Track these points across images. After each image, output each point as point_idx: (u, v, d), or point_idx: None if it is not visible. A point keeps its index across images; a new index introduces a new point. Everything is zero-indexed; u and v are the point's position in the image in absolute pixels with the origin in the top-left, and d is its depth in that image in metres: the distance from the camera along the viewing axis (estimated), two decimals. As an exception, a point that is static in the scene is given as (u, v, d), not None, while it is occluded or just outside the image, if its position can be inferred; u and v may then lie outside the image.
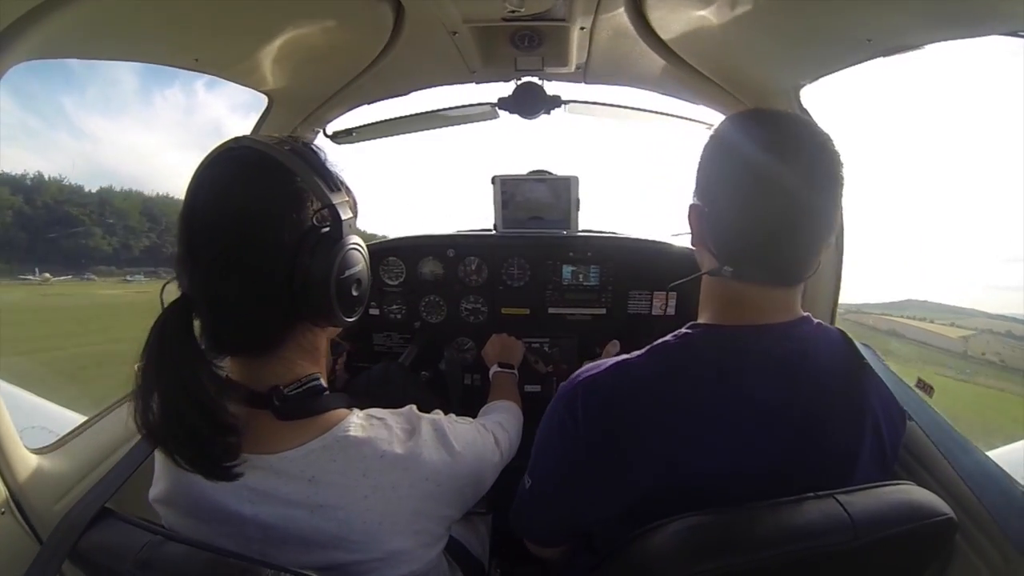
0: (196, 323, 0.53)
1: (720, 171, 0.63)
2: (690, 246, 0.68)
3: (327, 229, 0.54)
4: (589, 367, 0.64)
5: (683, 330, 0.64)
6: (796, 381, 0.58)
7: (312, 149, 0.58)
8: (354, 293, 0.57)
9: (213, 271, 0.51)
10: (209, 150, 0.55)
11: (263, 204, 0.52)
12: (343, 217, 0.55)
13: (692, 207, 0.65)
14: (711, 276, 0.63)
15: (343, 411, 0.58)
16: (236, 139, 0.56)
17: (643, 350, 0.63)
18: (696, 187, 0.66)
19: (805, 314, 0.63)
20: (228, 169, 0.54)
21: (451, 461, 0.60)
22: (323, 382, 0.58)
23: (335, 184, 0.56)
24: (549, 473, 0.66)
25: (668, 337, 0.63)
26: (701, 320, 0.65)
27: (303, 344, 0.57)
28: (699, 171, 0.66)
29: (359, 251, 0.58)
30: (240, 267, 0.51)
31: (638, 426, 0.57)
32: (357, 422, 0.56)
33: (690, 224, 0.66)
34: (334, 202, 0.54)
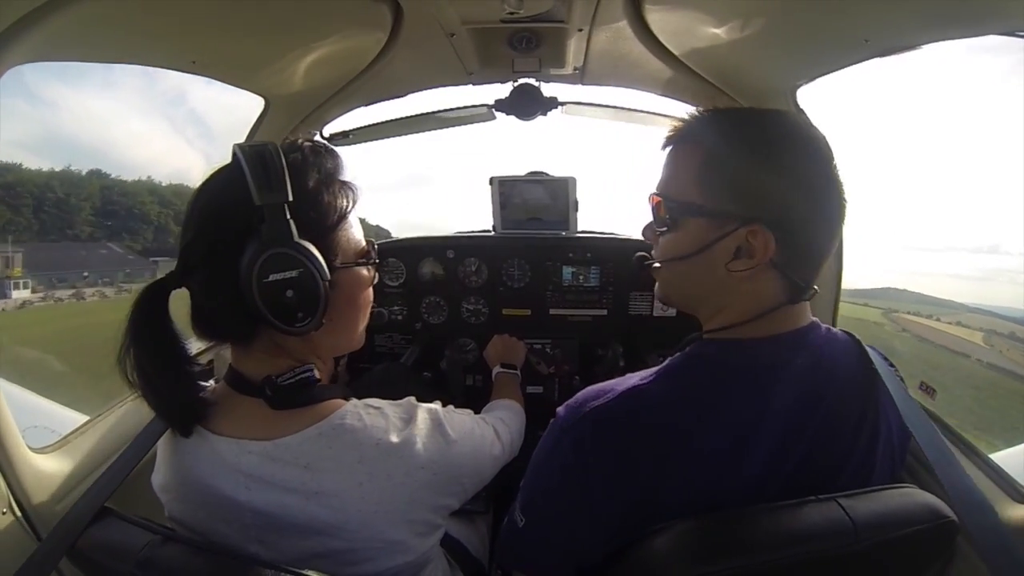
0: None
1: (799, 178, 0.54)
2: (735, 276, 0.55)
3: (257, 231, 0.52)
4: (593, 394, 0.57)
5: (695, 347, 0.60)
6: (812, 391, 0.56)
7: (273, 151, 0.54)
8: (288, 295, 0.53)
9: (184, 267, 0.57)
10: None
11: (215, 208, 0.56)
12: (272, 218, 0.52)
13: (755, 232, 0.53)
14: (791, 304, 0.57)
15: (340, 401, 0.58)
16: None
17: (652, 372, 0.58)
18: (747, 201, 0.54)
19: (813, 319, 0.60)
20: (212, 176, 0.58)
21: (447, 450, 0.60)
22: (317, 374, 0.59)
23: (276, 184, 0.52)
24: (551, 511, 0.59)
25: (680, 356, 0.59)
26: (712, 326, 0.60)
27: (280, 344, 0.58)
28: (752, 180, 0.54)
29: (291, 255, 0.53)
30: (199, 266, 0.56)
31: (658, 455, 0.53)
32: (353, 411, 0.57)
33: (751, 248, 0.54)
34: (266, 202, 0.52)
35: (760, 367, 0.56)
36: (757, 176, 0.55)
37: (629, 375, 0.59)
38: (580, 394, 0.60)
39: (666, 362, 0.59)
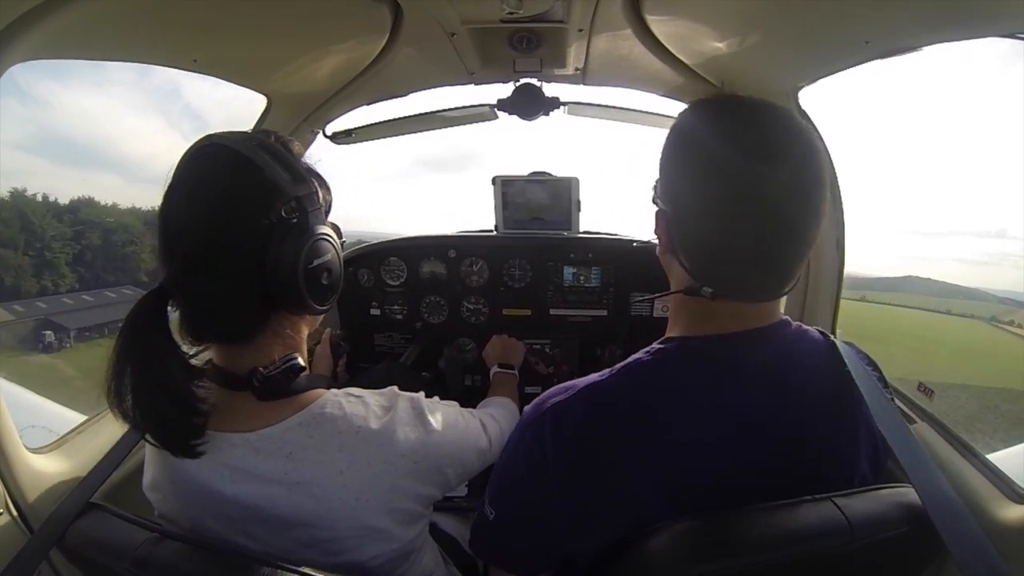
0: (176, 313, 0.56)
1: (689, 173, 0.56)
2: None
3: (295, 220, 0.55)
4: (556, 391, 0.60)
5: (656, 345, 0.60)
6: (780, 387, 0.55)
7: (282, 143, 0.59)
8: (324, 282, 0.58)
9: (187, 265, 0.54)
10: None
11: (231, 199, 0.54)
12: (309, 208, 0.56)
13: (659, 213, 0.59)
14: (687, 295, 0.58)
15: (321, 390, 0.59)
16: (208, 136, 0.57)
17: (614, 369, 0.59)
18: (661, 188, 0.59)
19: (784, 317, 0.59)
20: (199, 166, 0.56)
21: (427, 439, 0.61)
22: (301, 362, 0.59)
23: (301, 176, 0.57)
24: (517, 505, 0.60)
25: (640, 354, 0.60)
26: (673, 333, 0.61)
27: (279, 332, 0.58)
28: (663, 169, 0.59)
29: (328, 241, 0.58)
30: (212, 261, 0.53)
31: (616, 451, 0.54)
32: (334, 399, 0.58)
33: (657, 233, 0.61)
34: (299, 194, 0.56)
35: (718, 362, 0.56)
36: (671, 162, 0.59)
37: (593, 374, 0.60)
38: (545, 392, 0.62)
39: (627, 360, 0.60)
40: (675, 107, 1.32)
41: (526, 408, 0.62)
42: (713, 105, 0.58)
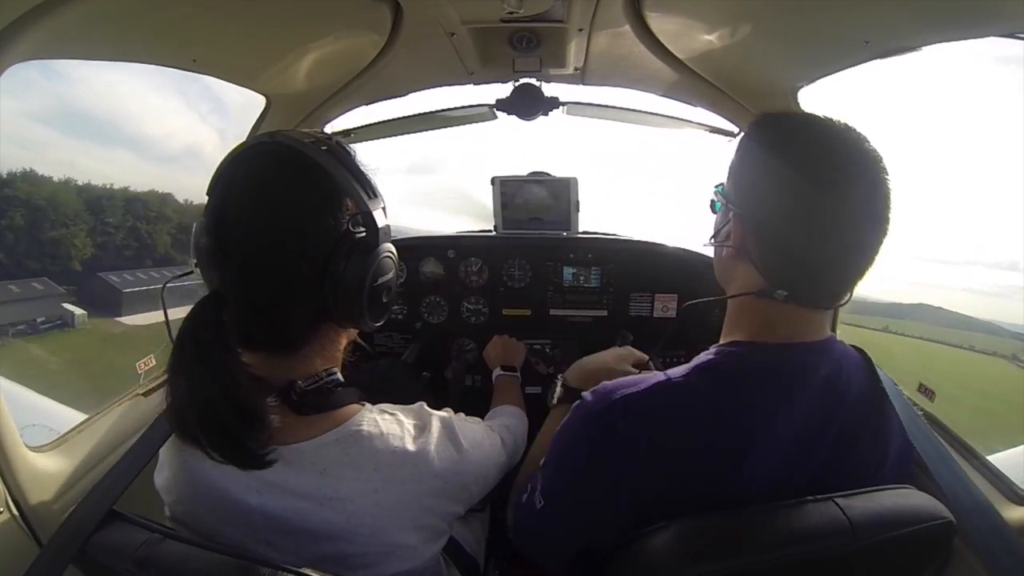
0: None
1: (776, 183, 0.58)
2: (714, 254, 0.66)
3: (362, 235, 0.54)
4: (623, 384, 0.60)
5: (725, 347, 0.61)
6: (833, 398, 0.58)
7: (346, 149, 0.58)
8: (384, 300, 0.58)
9: (246, 269, 0.52)
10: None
11: (300, 206, 0.52)
12: (379, 224, 0.55)
13: (736, 216, 0.60)
14: (758, 297, 0.59)
15: (356, 406, 0.58)
16: (270, 134, 0.56)
17: (685, 368, 0.60)
18: (737, 193, 0.61)
19: (831, 334, 0.62)
20: (264, 166, 0.53)
21: (459, 459, 0.61)
22: (339, 377, 0.58)
23: (372, 190, 0.56)
24: (575, 494, 0.60)
25: (710, 355, 0.61)
26: (736, 337, 0.62)
27: (325, 343, 0.58)
28: (742, 175, 0.62)
29: (391, 258, 0.58)
30: (273, 265, 0.52)
31: (686, 447, 0.55)
32: (370, 417, 0.57)
33: (732, 234, 0.61)
34: (369, 208, 0.54)
35: (787, 369, 0.58)
36: (754, 170, 0.61)
37: (655, 372, 0.61)
38: (608, 383, 0.61)
39: (697, 359, 0.61)
40: (675, 107, 1.32)
41: (587, 398, 0.61)
42: (796, 121, 0.62)
